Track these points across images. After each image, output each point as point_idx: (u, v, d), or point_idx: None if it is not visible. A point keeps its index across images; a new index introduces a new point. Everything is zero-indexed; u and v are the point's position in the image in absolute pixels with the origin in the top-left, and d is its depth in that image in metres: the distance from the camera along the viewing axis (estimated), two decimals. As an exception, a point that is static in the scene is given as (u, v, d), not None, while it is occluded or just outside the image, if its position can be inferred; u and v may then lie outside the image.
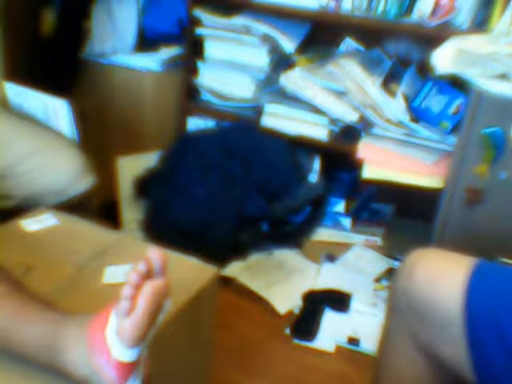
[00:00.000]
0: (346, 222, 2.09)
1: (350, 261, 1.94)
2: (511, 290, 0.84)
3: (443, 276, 0.87)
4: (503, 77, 1.44)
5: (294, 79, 1.97)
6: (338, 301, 1.73)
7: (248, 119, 2.08)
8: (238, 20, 2.05)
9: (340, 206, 2.09)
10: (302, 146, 2.01)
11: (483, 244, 1.50)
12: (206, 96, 2.19)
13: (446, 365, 0.88)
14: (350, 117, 1.91)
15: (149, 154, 2.06)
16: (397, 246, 1.97)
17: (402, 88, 1.91)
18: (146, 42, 2.20)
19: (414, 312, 0.90)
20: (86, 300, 0.94)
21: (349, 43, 2.13)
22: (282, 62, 2.09)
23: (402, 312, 0.92)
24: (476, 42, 1.55)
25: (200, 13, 2.07)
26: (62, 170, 1.41)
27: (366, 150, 1.85)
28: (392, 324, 0.96)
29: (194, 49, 2.14)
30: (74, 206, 1.35)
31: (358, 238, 2.05)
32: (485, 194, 1.51)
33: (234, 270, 1.84)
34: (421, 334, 0.90)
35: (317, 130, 1.96)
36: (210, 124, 2.21)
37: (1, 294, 0.78)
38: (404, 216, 2.17)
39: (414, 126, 1.85)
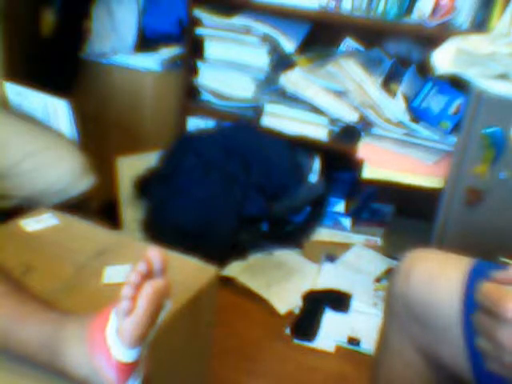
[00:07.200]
0: (346, 221, 2.09)
1: (350, 261, 1.94)
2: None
3: (440, 278, 0.86)
4: (503, 77, 1.44)
5: (294, 79, 1.97)
6: (338, 301, 1.73)
7: (248, 119, 2.08)
8: (238, 20, 2.05)
9: (340, 206, 2.09)
10: (302, 146, 2.01)
11: (483, 244, 1.50)
12: (206, 96, 2.19)
13: (444, 366, 0.87)
14: (350, 117, 1.90)
15: (149, 154, 2.06)
16: (397, 246, 1.97)
17: (401, 88, 1.91)
18: (146, 41, 2.20)
19: (411, 314, 0.89)
20: (86, 300, 0.94)
21: (349, 43, 2.13)
22: (282, 62, 2.09)
23: (399, 314, 0.92)
24: (476, 42, 1.55)
25: (200, 13, 2.07)
26: (61, 169, 1.41)
27: (366, 150, 1.85)
28: (389, 326, 0.96)
29: (194, 49, 2.14)
30: (74, 206, 1.35)
31: (358, 238, 2.05)
32: (485, 194, 1.51)
33: (234, 269, 1.84)
34: (419, 336, 0.89)
35: (317, 130, 1.96)
36: (209, 124, 2.21)
37: (1, 294, 0.78)
38: (404, 216, 2.17)
39: (414, 125, 1.85)
